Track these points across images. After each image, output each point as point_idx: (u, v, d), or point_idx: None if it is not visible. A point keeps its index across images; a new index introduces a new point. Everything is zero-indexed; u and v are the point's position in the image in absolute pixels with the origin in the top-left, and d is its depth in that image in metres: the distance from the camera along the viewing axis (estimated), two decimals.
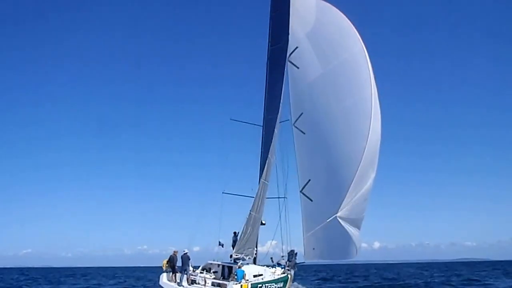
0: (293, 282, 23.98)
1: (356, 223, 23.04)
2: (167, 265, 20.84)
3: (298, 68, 24.49)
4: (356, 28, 23.82)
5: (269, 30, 25.41)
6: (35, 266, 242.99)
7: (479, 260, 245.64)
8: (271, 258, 23.95)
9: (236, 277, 20.00)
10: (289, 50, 24.23)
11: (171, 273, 20.80)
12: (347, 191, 21.82)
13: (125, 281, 47.71)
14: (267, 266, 23.05)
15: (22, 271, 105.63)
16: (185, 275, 20.34)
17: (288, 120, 24.26)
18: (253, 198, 22.52)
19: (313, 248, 23.83)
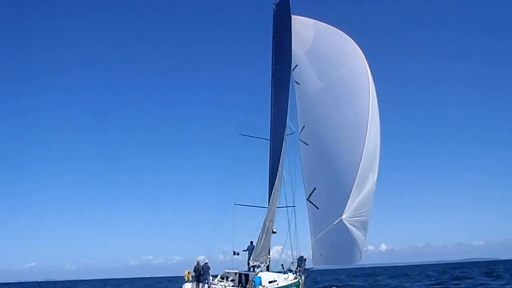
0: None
1: (361, 227, 24.06)
2: (189, 275, 22.14)
3: (298, 84, 26.21)
4: (356, 42, 25.26)
5: (272, 50, 27.19)
6: (39, 280, 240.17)
7: (487, 260, 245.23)
8: (282, 264, 25.17)
9: (253, 283, 21.34)
10: (291, 64, 25.82)
11: (195, 282, 21.93)
12: (349, 195, 23.00)
13: None
14: (279, 272, 24.36)
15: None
16: (206, 284, 21.65)
17: (293, 133, 25.73)
18: (266, 208, 24.01)
19: (321, 254, 25.14)
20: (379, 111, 24.86)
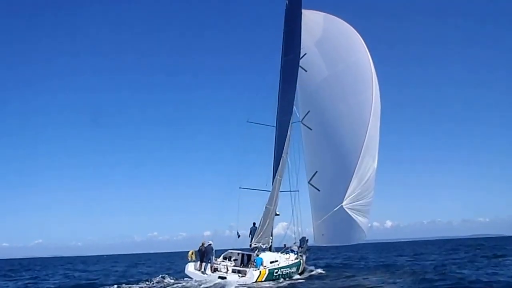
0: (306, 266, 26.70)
1: (362, 210, 25.17)
2: (192, 255, 23.51)
3: (306, 71, 27.32)
4: (361, 36, 26.47)
5: (282, 42, 28.21)
6: (46, 256, 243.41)
7: (492, 236, 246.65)
8: (284, 244, 26.55)
9: (255, 264, 22.71)
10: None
11: (199, 262, 23.26)
12: (351, 180, 24.14)
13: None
14: (282, 252, 25.74)
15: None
16: (208, 264, 23.02)
17: (298, 121, 27.04)
18: (269, 192, 25.22)
19: (322, 234, 26.57)
20: (381, 101, 25.94)
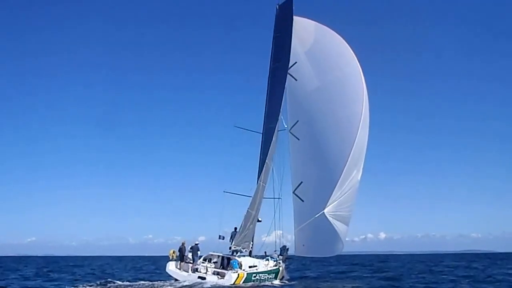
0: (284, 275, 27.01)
1: (342, 220, 25.70)
2: (173, 254, 24.05)
3: (296, 80, 27.39)
4: (352, 47, 26.68)
5: (272, 49, 28.34)
6: (39, 255, 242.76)
7: (483, 252, 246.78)
8: (265, 252, 26.84)
9: (232, 266, 23.11)
10: (289, 65, 26.92)
11: (179, 261, 23.83)
12: (333, 190, 24.75)
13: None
14: (262, 258, 26.09)
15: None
16: (189, 264, 23.51)
17: (285, 129, 27.16)
18: (251, 198, 25.62)
19: (303, 245, 26.87)
20: (370, 115, 26.27)
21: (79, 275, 34.28)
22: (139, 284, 22.65)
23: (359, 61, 26.47)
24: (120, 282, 24.02)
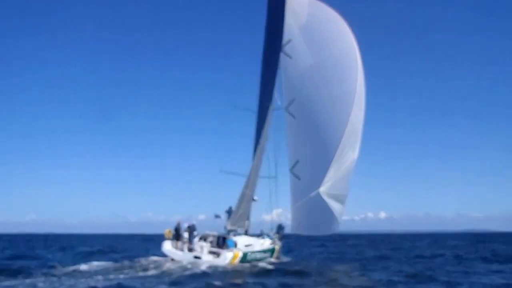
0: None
1: (337, 199, 25.55)
2: (169, 233, 24.06)
3: (291, 58, 26.81)
4: (348, 24, 26.02)
5: (266, 26, 27.85)
6: (39, 232, 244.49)
7: (484, 232, 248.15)
8: (261, 230, 26.85)
9: (228, 245, 23.12)
10: (283, 42, 26.61)
11: (175, 240, 23.87)
12: (328, 169, 24.56)
13: None
14: (258, 237, 26.12)
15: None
16: (185, 244, 23.54)
17: (280, 109, 26.95)
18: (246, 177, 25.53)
19: (299, 222, 26.81)
20: (366, 92, 25.83)
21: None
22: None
23: (355, 37, 25.85)
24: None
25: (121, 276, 17.74)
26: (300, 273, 19.85)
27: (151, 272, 19.23)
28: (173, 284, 15.99)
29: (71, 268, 20.06)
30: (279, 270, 20.76)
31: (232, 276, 18.79)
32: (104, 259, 24.73)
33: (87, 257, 27.98)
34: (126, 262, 22.54)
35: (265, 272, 20.16)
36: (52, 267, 20.68)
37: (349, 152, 25.31)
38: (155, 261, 22.75)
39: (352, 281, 18.18)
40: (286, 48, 26.77)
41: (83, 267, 20.39)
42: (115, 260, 24.08)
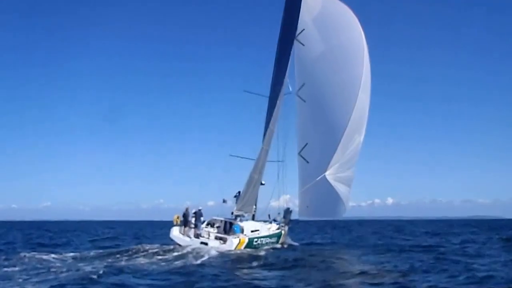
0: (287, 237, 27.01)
1: (344, 181, 26.09)
2: (178, 219, 24.03)
3: (303, 45, 27.71)
4: (357, 16, 27.12)
5: (282, 18, 28.83)
6: (54, 219, 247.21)
7: (491, 218, 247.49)
8: (269, 215, 26.87)
9: (234, 230, 23.14)
10: (297, 31, 27.55)
11: (183, 226, 23.88)
12: (336, 152, 25.18)
13: None
14: (264, 222, 26.02)
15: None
16: (192, 229, 23.50)
17: (290, 93, 27.36)
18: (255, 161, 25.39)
19: (307, 206, 26.88)
20: (375, 77, 26.92)
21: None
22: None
23: (363, 28, 26.72)
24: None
25: (124, 262, 17.56)
26: (300, 263, 18.48)
27: (155, 258, 18.86)
28: (175, 273, 15.12)
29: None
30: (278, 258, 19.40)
31: (232, 265, 17.98)
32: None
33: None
34: (132, 247, 22.42)
35: (264, 261, 18.58)
36: None
37: (356, 136, 25.96)
38: (161, 247, 22.59)
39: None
40: (299, 37, 27.60)
41: None
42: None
